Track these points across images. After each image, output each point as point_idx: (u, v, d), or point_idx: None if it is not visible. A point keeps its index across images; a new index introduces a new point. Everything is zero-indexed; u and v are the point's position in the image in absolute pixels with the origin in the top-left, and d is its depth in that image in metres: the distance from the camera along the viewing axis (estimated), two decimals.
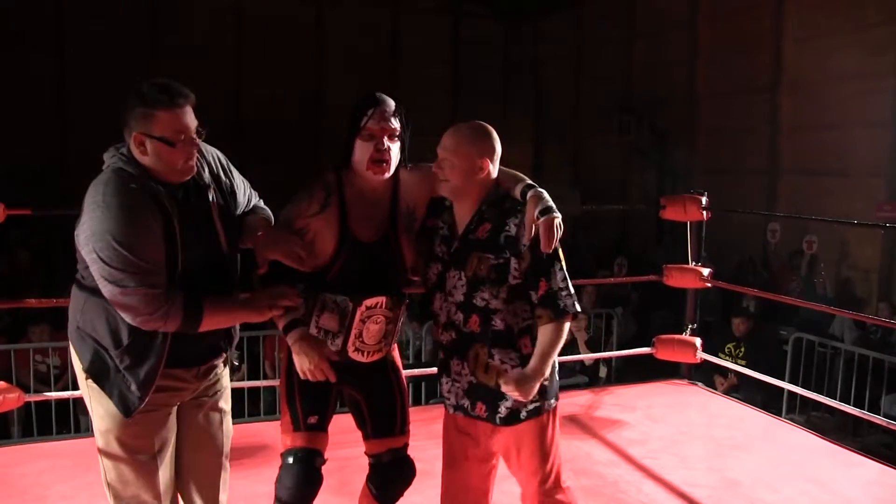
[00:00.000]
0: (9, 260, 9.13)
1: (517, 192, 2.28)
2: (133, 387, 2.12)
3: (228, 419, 2.43)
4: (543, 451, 2.33)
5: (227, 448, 2.42)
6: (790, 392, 5.77)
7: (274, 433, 3.98)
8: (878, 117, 9.02)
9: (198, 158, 2.16)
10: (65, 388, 5.90)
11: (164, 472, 2.27)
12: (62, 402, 5.65)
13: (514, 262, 2.21)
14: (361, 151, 2.24)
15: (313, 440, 2.29)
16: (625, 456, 3.81)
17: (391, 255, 2.32)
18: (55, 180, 12.75)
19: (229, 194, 2.27)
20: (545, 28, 16.16)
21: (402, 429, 2.42)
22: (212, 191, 2.19)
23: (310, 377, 2.24)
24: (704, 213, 4.61)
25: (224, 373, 2.43)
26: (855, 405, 5.80)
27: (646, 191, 12.66)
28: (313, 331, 2.29)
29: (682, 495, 3.38)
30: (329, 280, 2.29)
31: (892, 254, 9.24)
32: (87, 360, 2.17)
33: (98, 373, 2.16)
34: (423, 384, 6.21)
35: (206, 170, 2.21)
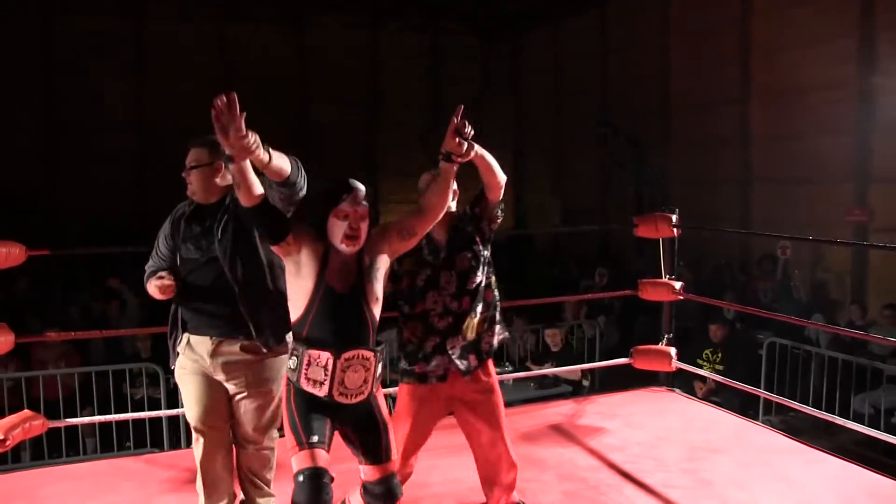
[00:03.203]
0: (8, 288, 9.35)
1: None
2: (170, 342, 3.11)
3: (267, 405, 3.04)
4: None
5: (260, 431, 3.06)
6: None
7: (281, 451, 4.26)
8: (843, 125, 9.38)
9: (232, 193, 2.87)
10: (72, 410, 6.16)
11: (207, 449, 3.06)
12: (71, 426, 5.90)
13: (480, 248, 3.14)
14: (337, 228, 2.67)
15: (317, 458, 2.59)
16: (606, 461, 4.08)
17: (360, 305, 2.70)
18: (42, 206, 13.00)
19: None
20: (523, 43, 16.53)
21: (387, 456, 2.77)
22: (225, 213, 2.95)
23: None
24: (675, 230, 4.89)
25: (265, 364, 3.01)
26: (828, 405, 6.13)
27: (624, 201, 12.99)
28: (303, 381, 2.65)
29: (658, 496, 3.66)
30: (308, 331, 2.66)
31: (863, 257, 9.57)
32: None
33: None
34: None
35: (231, 200, 2.92)
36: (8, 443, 3.59)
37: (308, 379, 2.64)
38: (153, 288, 2.98)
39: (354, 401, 2.69)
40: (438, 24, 16.17)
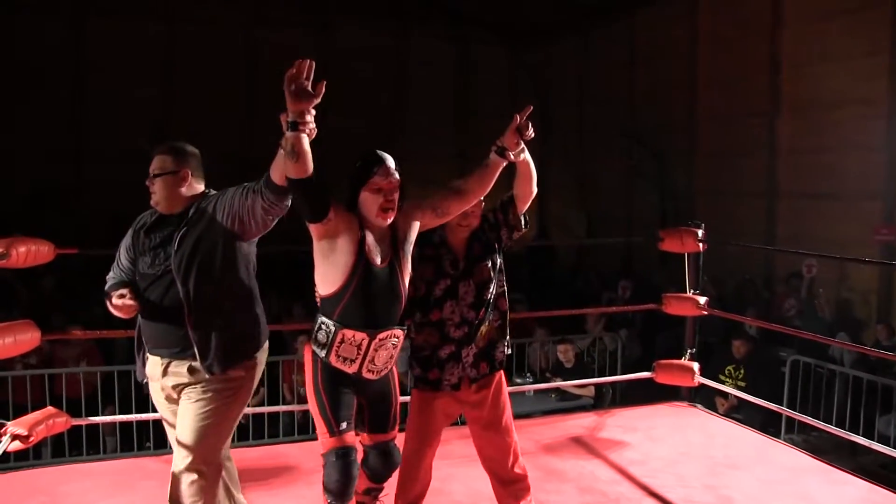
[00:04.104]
0: (34, 286, 9.46)
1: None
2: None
3: (206, 416, 2.75)
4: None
5: (192, 443, 2.73)
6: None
7: (296, 454, 4.29)
8: (873, 142, 9.26)
9: (201, 201, 2.82)
10: (93, 409, 6.21)
11: None
12: (92, 424, 5.96)
13: (497, 257, 3.15)
14: (371, 202, 2.70)
15: (346, 440, 2.72)
16: (626, 475, 4.05)
17: (396, 279, 2.76)
18: (70, 203, 13.15)
19: (212, 221, 2.76)
20: (550, 53, 16.50)
21: (392, 426, 2.93)
22: (186, 225, 2.76)
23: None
24: (701, 244, 4.86)
25: (217, 383, 2.75)
26: (852, 426, 6.04)
27: (648, 213, 12.91)
28: (333, 358, 2.69)
29: None
30: (343, 308, 2.68)
31: (889, 276, 9.44)
32: None
33: None
34: None
35: (195, 210, 2.79)
36: (32, 439, 3.65)
37: (339, 356, 2.70)
38: (113, 307, 2.77)
39: (378, 377, 2.79)
40: (465, 32, 16.18)
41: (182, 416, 2.77)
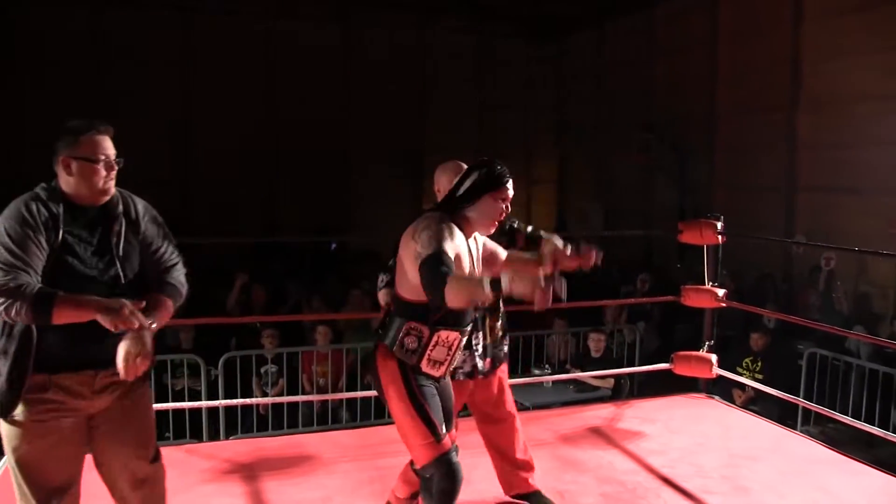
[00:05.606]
0: None
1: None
2: (3, 383, 2.36)
3: (152, 418, 2.69)
4: None
5: (150, 452, 2.64)
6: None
7: (315, 443, 4.34)
8: (893, 136, 9.22)
9: (122, 198, 2.57)
10: None
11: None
12: None
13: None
14: (491, 208, 2.74)
15: (450, 444, 2.72)
16: (644, 465, 4.09)
17: None
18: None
19: (141, 238, 2.56)
20: (569, 47, 16.50)
21: (455, 423, 2.95)
22: (120, 224, 2.52)
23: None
24: (720, 237, 4.88)
25: (142, 384, 2.61)
26: (868, 418, 6.04)
27: (666, 207, 12.90)
28: (424, 363, 2.69)
29: (697, 501, 3.68)
30: (444, 313, 2.64)
31: None
32: None
33: None
34: None
35: (123, 208, 2.55)
36: None
37: (430, 360, 2.70)
38: (123, 321, 2.29)
39: (448, 378, 2.87)
40: (485, 25, 16.17)
41: (134, 417, 2.59)
